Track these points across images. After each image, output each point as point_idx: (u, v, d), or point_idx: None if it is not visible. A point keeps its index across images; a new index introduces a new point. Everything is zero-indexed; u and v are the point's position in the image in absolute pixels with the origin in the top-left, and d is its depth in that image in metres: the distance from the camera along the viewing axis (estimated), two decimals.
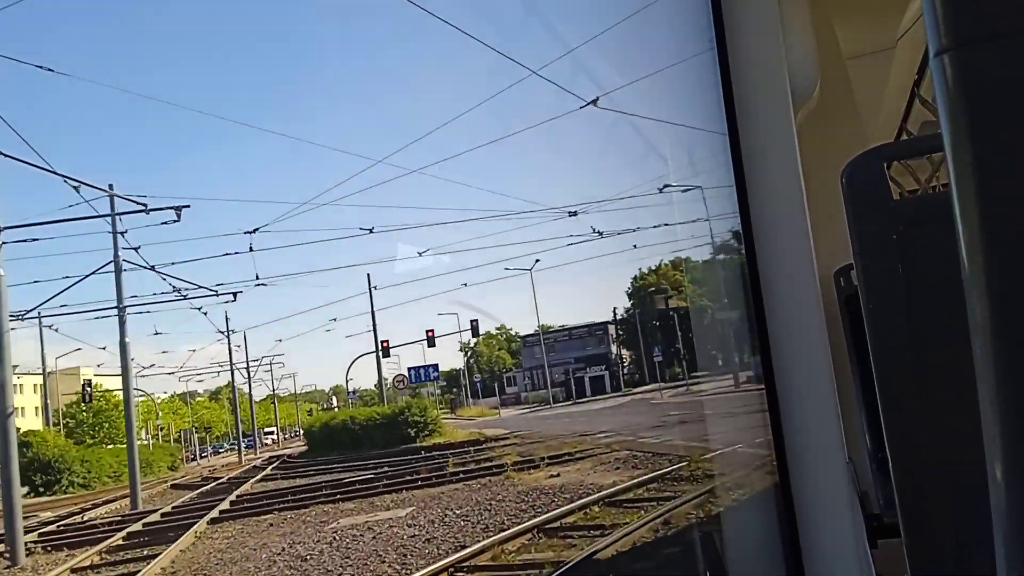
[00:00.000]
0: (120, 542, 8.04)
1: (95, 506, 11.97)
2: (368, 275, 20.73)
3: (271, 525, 8.05)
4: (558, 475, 8.61)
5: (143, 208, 13.48)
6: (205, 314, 22.13)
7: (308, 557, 6.19)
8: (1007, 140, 0.35)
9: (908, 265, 0.86)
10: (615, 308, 30.06)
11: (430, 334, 21.49)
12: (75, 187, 13.06)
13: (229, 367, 24.42)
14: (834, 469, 0.93)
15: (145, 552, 7.24)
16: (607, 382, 25.77)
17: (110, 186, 14.26)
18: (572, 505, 6.41)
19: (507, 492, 7.85)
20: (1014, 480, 0.36)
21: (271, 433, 33.38)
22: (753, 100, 0.95)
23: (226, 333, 22.46)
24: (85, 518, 10.49)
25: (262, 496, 10.16)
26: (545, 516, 6.12)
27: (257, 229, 14.49)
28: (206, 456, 28.23)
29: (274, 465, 15.80)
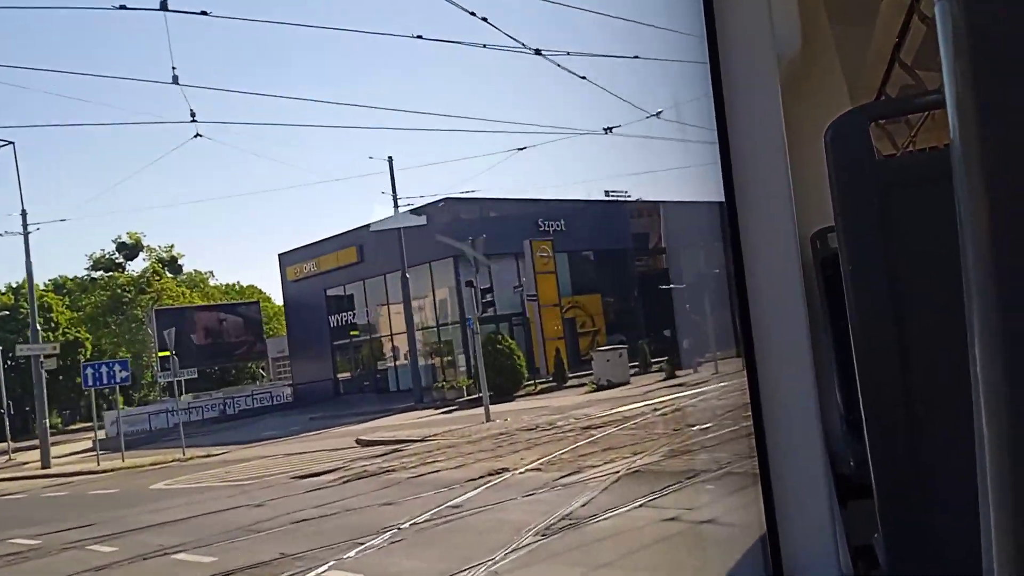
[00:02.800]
0: None
1: None
2: None
3: None
4: None
5: None
6: None
7: None
8: (1012, 86, 0.34)
9: (890, 226, 0.86)
10: None
11: None
12: None
13: None
14: (809, 428, 0.95)
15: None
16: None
17: None
18: None
19: None
20: (1009, 467, 0.34)
21: None
22: (737, 57, 0.95)
23: None
24: None
25: None
26: None
27: None
28: None
29: None
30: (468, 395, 17.04)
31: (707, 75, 0.95)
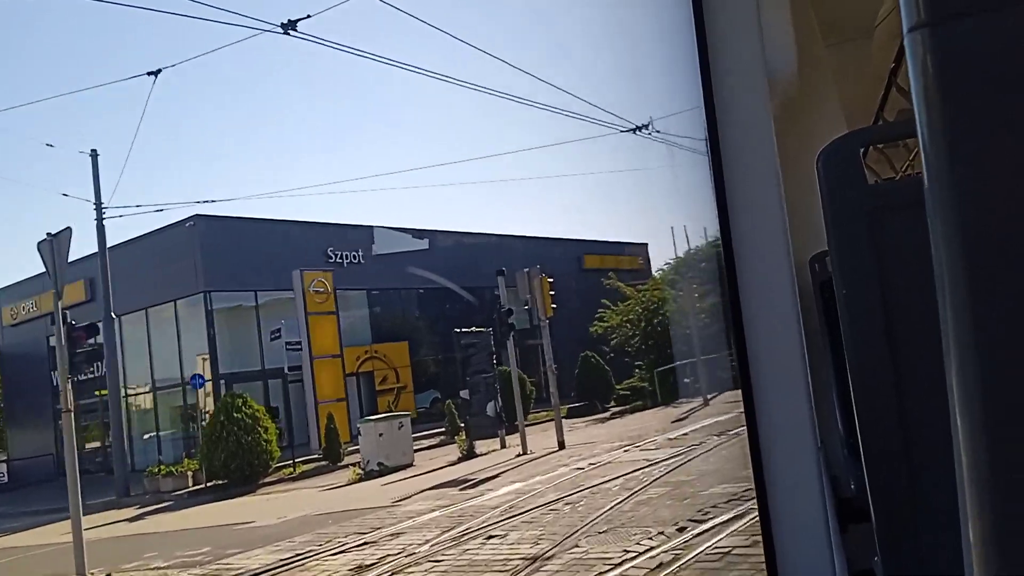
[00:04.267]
0: None
1: None
2: None
3: None
4: None
5: None
6: None
7: None
8: (980, 119, 0.38)
9: (882, 250, 0.96)
10: None
11: None
12: None
13: None
14: (806, 453, 1.03)
15: None
16: None
17: None
18: None
19: None
20: (982, 477, 0.40)
21: None
22: (729, 83, 1.04)
23: None
24: None
25: None
26: None
27: None
28: None
29: None
30: (194, 484, 14.02)
31: (700, 97, 1.06)
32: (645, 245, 26.34)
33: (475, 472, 10.88)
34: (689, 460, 9.05)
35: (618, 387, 19.07)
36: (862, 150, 1.04)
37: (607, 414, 17.51)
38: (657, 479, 7.99)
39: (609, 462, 9.91)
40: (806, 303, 1.22)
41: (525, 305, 15.88)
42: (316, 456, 15.31)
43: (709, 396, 15.73)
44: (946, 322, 0.42)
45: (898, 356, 0.96)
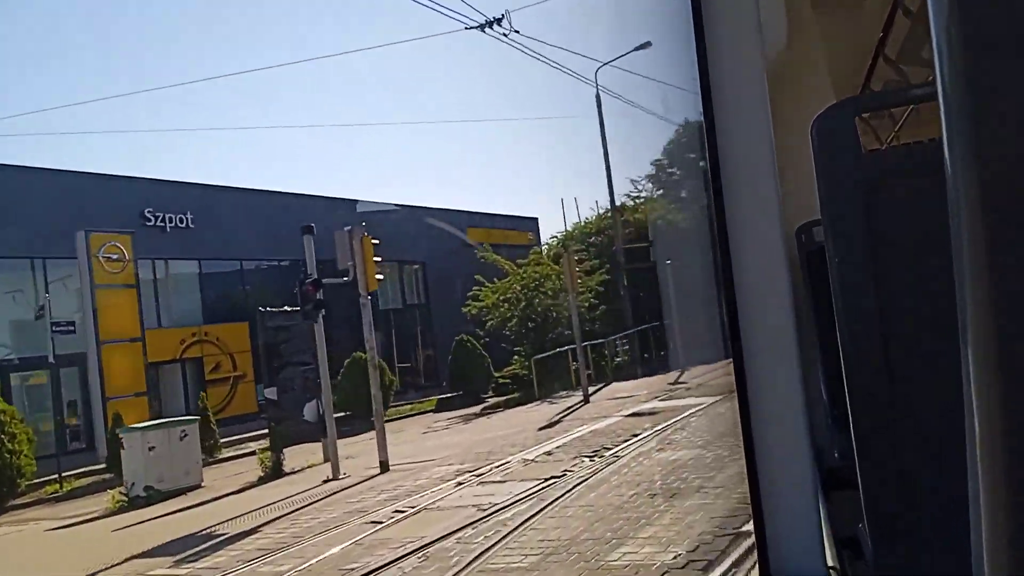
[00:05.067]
0: None
1: None
2: None
3: None
4: None
5: None
6: None
7: None
8: (1005, 79, 0.39)
9: (876, 219, 1.02)
10: None
11: None
12: None
13: None
14: (794, 422, 1.11)
15: None
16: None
17: None
18: None
19: None
20: (998, 472, 0.40)
21: None
22: (724, 49, 1.09)
23: None
24: None
25: None
26: None
27: None
28: None
29: None
30: None
31: (695, 66, 1.12)
32: (535, 220, 26.40)
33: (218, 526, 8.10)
34: (540, 508, 6.43)
35: (498, 375, 18.16)
36: (856, 118, 1.10)
37: (480, 408, 16.66)
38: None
39: (426, 507, 7.34)
40: (793, 274, 1.28)
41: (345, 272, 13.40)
42: (103, 466, 12.76)
43: (592, 391, 15.02)
44: (963, 293, 0.41)
45: (889, 326, 1.02)
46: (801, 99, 1.87)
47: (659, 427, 9.88)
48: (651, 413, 11.30)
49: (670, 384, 14.72)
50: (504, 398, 16.88)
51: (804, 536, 1.11)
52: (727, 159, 1.10)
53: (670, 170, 27.66)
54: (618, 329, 20.34)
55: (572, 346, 17.31)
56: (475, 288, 19.21)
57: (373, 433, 11.14)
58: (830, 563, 1.15)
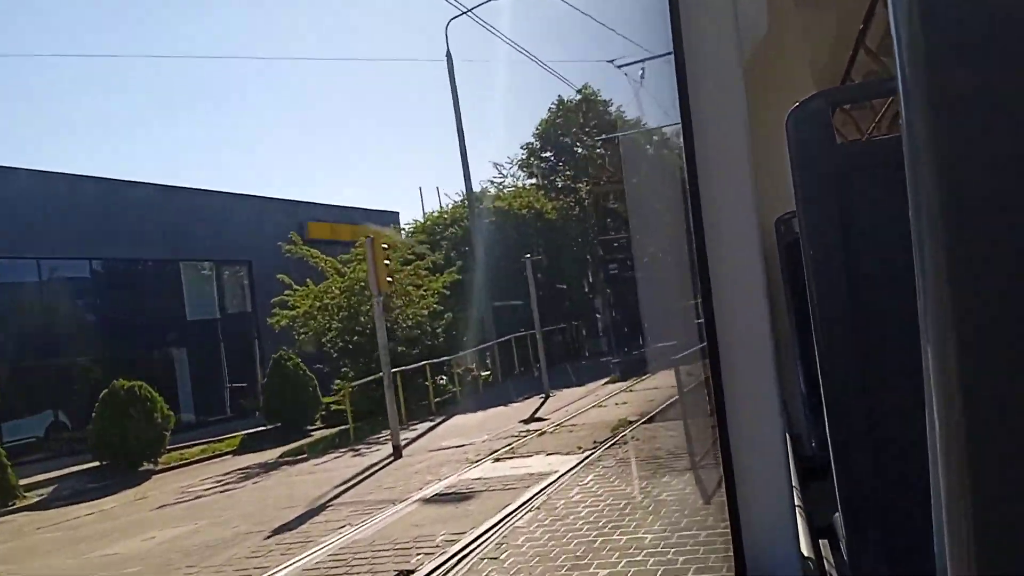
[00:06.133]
0: None
1: None
2: None
3: None
4: None
5: None
6: None
7: None
8: (963, 72, 0.43)
9: (850, 210, 1.13)
10: None
11: None
12: None
13: None
14: (769, 411, 1.19)
15: None
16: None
17: None
18: None
19: None
20: (959, 471, 0.43)
21: None
22: (701, 39, 1.17)
23: None
24: None
25: None
26: None
27: None
28: None
29: None
30: None
31: (670, 47, 1.21)
32: (396, 214, 25.26)
33: None
34: None
35: (328, 400, 15.71)
36: (831, 111, 1.20)
37: (294, 446, 13.91)
38: None
39: None
40: (770, 265, 1.37)
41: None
42: None
43: (425, 429, 12.80)
44: (923, 288, 0.45)
45: (863, 317, 1.12)
46: (782, 91, 1.99)
47: (465, 540, 5.72)
48: (465, 497, 7.40)
49: (522, 424, 12.04)
50: (335, 430, 14.73)
51: (779, 525, 1.18)
52: (703, 150, 1.17)
53: (544, 154, 27.55)
54: (473, 341, 18.79)
55: (416, 365, 15.57)
56: (285, 292, 16.46)
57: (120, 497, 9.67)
58: (805, 553, 1.22)
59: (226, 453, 14.78)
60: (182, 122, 33.32)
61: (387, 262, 12.88)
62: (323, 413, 16.06)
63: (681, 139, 1.19)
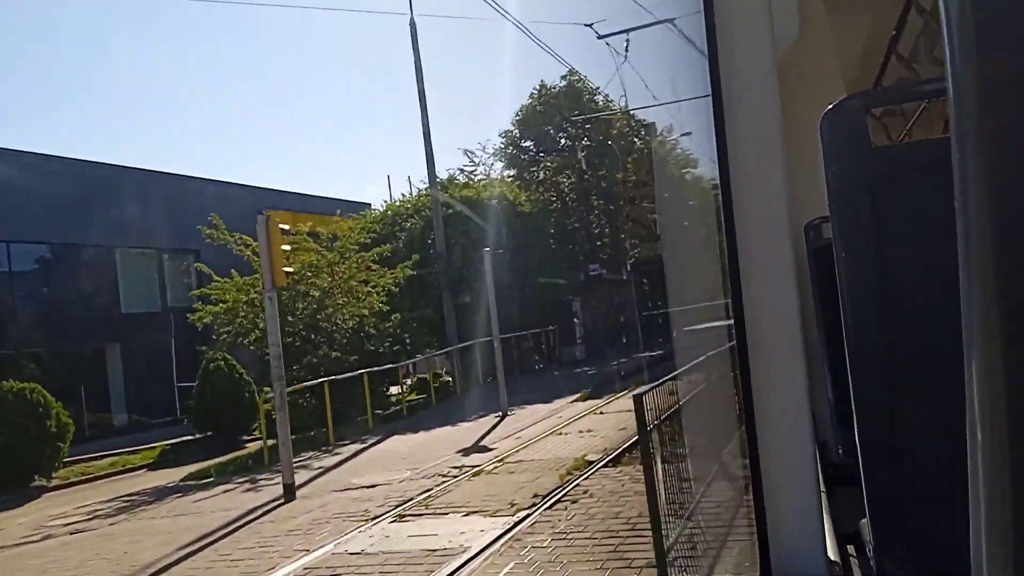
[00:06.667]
0: None
1: None
2: None
3: None
4: None
5: None
6: None
7: None
8: (1014, 73, 0.44)
9: (884, 215, 1.16)
10: None
11: None
12: None
13: None
14: (798, 417, 1.24)
15: None
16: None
17: None
18: None
19: None
20: (1001, 475, 0.44)
21: None
22: (735, 44, 1.21)
23: None
24: None
25: None
26: None
27: None
28: None
29: None
30: None
31: (705, 63, 1.28)
32: (368, 205, 24.44)
33: None
34: None
35: (267, 405, 13.83)
36: (865, 113, 1.23)
37: (212, 463, 12.48)
38: None
39: None
40: (799, 270, 1.42)
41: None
42: None
43: (355, 451, 11.17)
44: (968, 292, 0.46)
45: (895, 324, 1.15)
46: (813, 96, 2.06)
47: None
48: None
49: (460, 454, 10.48)
50: (245, 452, 13.22)
51: (806, 530, 1.21)
52: (736, 154, 1.20)
53: (524, 144, 26.42)
54: (428, 345, 17.65)
55: (356, 372, 14.24)
56: (207, 286, 15.03)
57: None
58: (832, 558, 1.26)
59: (141, 467, 13.64)
60: (137, 97, 32.36)
61: (286, 248, 10.53)
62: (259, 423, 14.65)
63: (714, 141, 1.22)
